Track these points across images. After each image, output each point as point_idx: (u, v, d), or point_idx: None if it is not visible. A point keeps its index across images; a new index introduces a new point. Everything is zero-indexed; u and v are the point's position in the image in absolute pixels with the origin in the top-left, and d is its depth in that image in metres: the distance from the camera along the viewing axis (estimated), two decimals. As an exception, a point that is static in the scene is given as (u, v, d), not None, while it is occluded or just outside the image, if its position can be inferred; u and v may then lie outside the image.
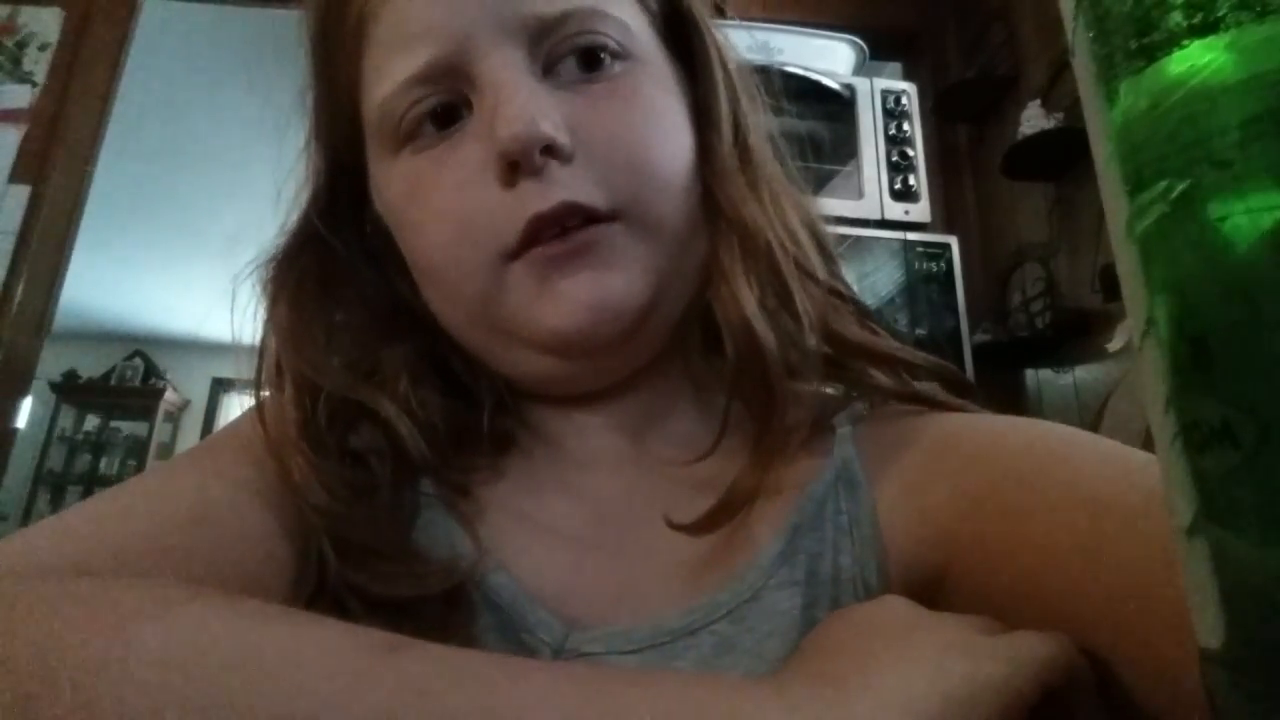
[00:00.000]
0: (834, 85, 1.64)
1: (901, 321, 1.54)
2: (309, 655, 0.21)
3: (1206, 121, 0.14)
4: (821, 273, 0.37)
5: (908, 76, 2.12)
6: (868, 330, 0.38)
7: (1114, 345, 1.51)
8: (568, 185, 0.32)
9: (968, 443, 0.34)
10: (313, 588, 0.31)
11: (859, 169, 1.60)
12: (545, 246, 0.32)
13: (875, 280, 1.58)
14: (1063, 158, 1.65)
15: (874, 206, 1.57)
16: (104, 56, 1.86)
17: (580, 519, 0.36)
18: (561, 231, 0.32)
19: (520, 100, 0.32)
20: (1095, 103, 0.16)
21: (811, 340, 0.35)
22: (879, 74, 1.91)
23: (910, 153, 1.62)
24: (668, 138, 0.35)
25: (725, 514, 0.33)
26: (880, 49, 2.04)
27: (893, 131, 1.62)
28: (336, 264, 0.39)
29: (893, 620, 0.26)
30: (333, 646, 0.22)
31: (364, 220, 0.40)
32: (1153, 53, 0.15)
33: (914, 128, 1.64)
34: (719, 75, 0.38)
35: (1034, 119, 1.66)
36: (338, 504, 0.31)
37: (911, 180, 1.60)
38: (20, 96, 1.78)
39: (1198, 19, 0.14)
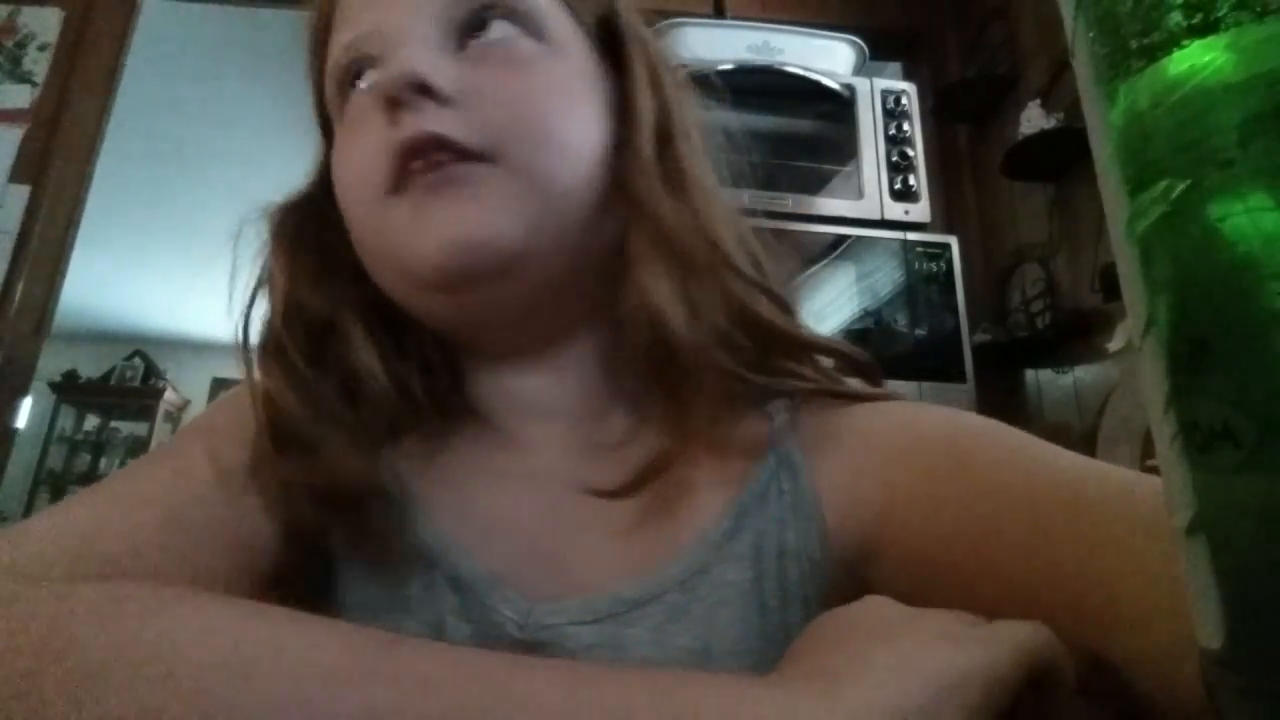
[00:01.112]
0: (834, 85, 1.64)
1: (901, 321, 1.54)
2: (308, 650, 0.22)
3: (1206, 121, 0.14)
4: (746, 267, 0.39)
5: (908, 76, 2.12)
6: (787, 322, 0.41)
7: (1114, 345, 1.51)
8: (437, 121, 0.34)
9: (900, 433, 0.37)
10: (290, 582, 0.34)
11: (859, 169, 1.60)
12: (419, 177, 0.35)
13: (875, 280, 1.58)
14: (1063, 158, 1.65)
15: (874, 206, 1.57)
16: (104, 57, 1.86)
17: (532, 503, 0.38)
18: (426, 165, 0.34)
19: (406, 51, 0.35)
20: (1095, 103, 0.16)
21: (726, 325, 0.37)
22: (879, 74, 1.91)
23: (910, 153, 1.62)
24: (569, 111, 0.38)
25: (650, 474, 0.36)
26: (880, 49, 2.04)
27: (893, 131, 1.62)
28: (327, 223, 0.41)
29: (880, 617, 0.27)
30: (332, 642, 0.22)
31: None
32: (1153, 53, 0.15)
33: (914, 128, 1.64)
34: (645, 81, 0.41)
35: (1034, 119, 1.66)
36: (310, 411, 0.35)
37: (911, 180, 1.60)
38: (20, 96, 1.78)
39: (1198, 19, 0.14)
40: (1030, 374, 1.81)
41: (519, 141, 0.35)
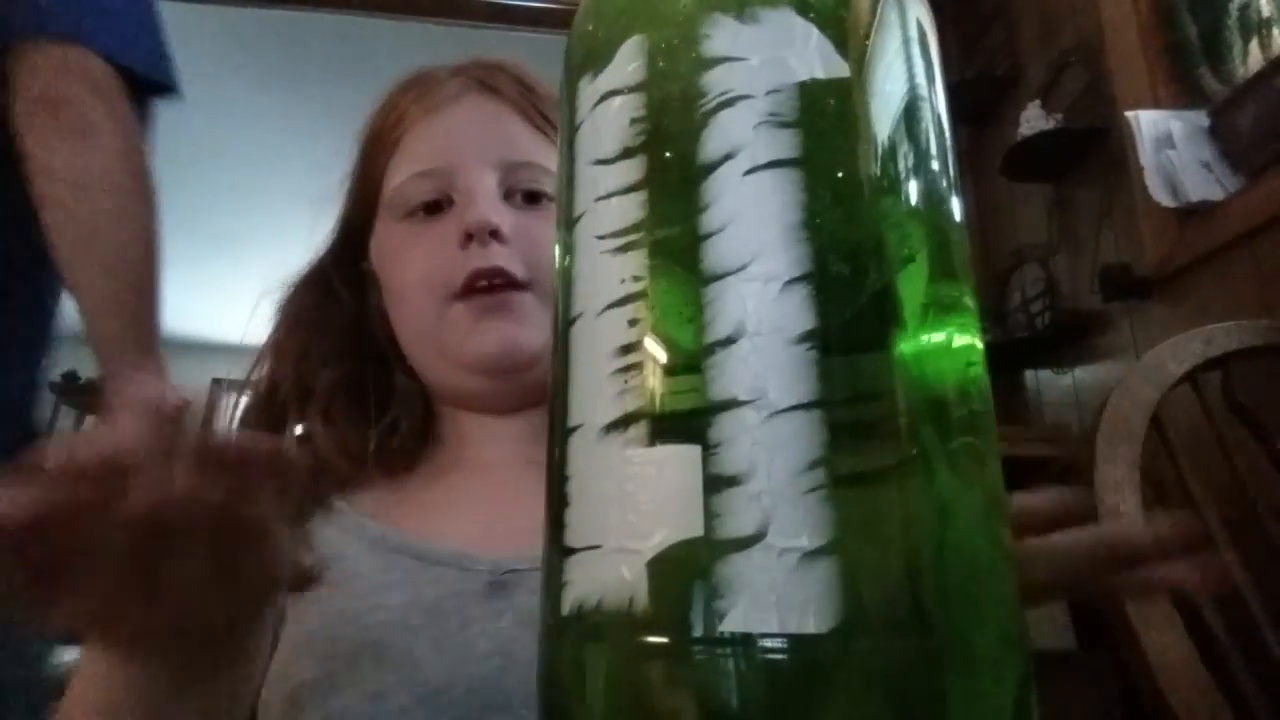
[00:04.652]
0: (833, 86, 1.64)
1: (901, 322, 1.54)
2: None
3: None
4: None
5: (907, 77, 2.12)
6: None
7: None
8: (500, 257, 0.49)
9: None
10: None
11: (858, 169, 1.59)
12: (479, 296, 0.48)
13: (875, 281, 1.58)
14: (1062, 158, 1.65)
15: (874, 207, 1.57)
16: (104, 57, 1.85)
17: (495, 494, 0.50)
18: (489, 287, 0.48)
19: (487, 203, 0.50)
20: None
21: None
22: (878, 74, 1.90)
23: (910, 153, 1.61)
24: None
25: None
26: (880, 49, 2.03)
27: (892, 132, 1.62)
28: (329, 295, 0.56)
29: None
30: None
31: (359, 269, 0.57)
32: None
33: (913, 128, 1.64)
34: None
35: (1033, 120, 1.66)
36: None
37: (911, 181, 1.60)
38: (20, 97, 1.78)
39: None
40: (1030, 374, 1.81)
41: (545, 276, 0.49)
